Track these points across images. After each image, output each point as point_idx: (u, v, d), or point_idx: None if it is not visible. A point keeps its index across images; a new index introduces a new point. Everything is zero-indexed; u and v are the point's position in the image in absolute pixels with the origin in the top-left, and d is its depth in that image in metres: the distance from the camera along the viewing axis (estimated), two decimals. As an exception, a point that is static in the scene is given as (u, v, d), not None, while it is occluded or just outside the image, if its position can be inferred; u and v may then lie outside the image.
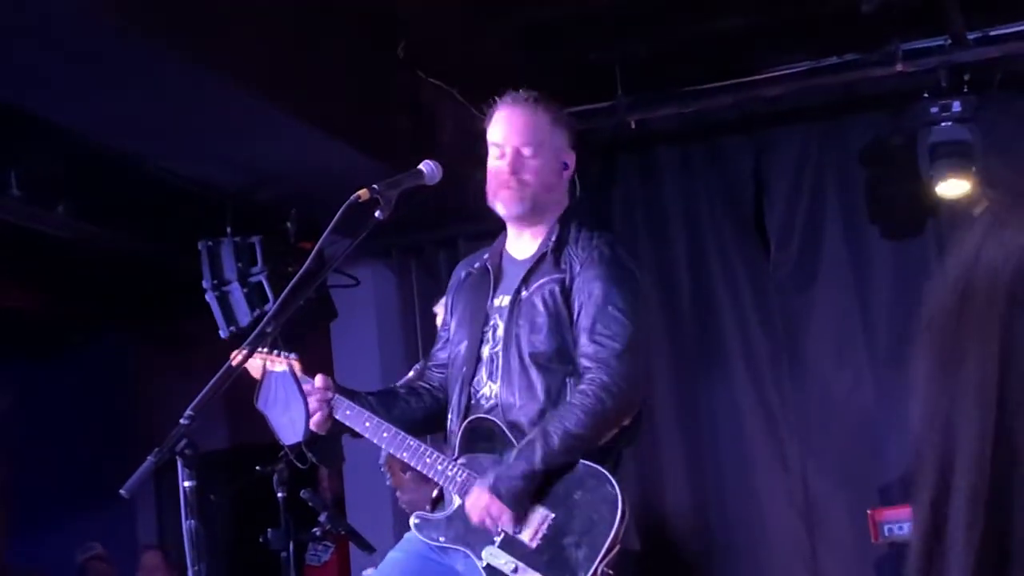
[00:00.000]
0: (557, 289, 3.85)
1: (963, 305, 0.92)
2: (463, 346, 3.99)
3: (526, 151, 3.91)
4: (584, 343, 3.78)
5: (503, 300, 3.94)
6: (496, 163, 3.94)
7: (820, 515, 6.96)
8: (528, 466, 3.68)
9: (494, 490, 3.71)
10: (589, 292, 3.82)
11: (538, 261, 3.92)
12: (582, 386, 3.73)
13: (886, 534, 5.99)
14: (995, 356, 0.89)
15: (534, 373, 3.81)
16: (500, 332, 3.89)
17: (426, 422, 4.14)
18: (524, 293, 3.89)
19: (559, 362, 3.81)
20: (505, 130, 3.95)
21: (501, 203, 3.95)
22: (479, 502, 3.73)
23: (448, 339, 4.12)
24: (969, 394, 0.91)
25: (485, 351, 3.92)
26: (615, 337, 3.76)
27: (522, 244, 4.01)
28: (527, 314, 3.86)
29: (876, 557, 6.58)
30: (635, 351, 3.79)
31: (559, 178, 3.98)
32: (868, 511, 6.11)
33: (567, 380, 3.80)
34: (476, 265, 4.11)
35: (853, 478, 6.86)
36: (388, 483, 4.43)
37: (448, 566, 3.86)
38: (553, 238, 3.92)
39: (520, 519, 3.73)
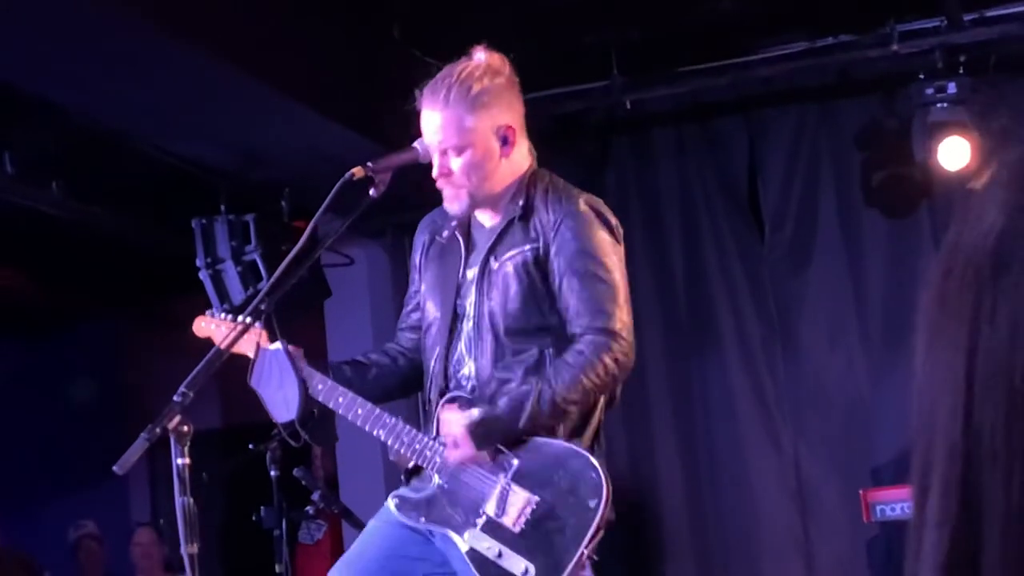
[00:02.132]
0: (530, 258, 3.73)
1: (944, 286, 0.90)
2: (435, 318, 3.89)
3: (450, 152, 3.75)
4: (574, 310, 3.69)
5: (474, 271, 3.83)
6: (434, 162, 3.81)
7: (812, 496, 6.97)
8: (511, 415, 3.63)
9: (472, 432, 3.66)
10: (568, 257, 3.70)
11: (505, 229, 3.80)
12: (578, 345, 3.64)
13: (878, 515, 6.00)
14: (965, 335, 0.87)
15: (509, 348, 3.73)
16: (474, 307, 3.80)
17: (403, 386, 4.09)
18: (493, 264, 3.78)
19: (536, 335, 3.73)
20: (425, 132, 3.78)
21: (444, 203, 3.84)
22: (455, 434, 3.69)
23: (419, 303, 4.03)
24: (944, 377, 0.88)
25: (464, 326, 3.83)
26: (604, 299, 3.68)
27: (486, 213, 3.89)
28: (499, 286, 3.76)
29: (868, 537, 6.61)
30: (625, 308, 3.72)
31: (496, 160, 3.78)
32: (860, 491, 6.12)
33: (545, 352, 3.72)
34: (444, 233, 3.95)
35: (845, 459, 6.88)
36: (392, 457, 4.40)
37: (427, 539, 3.83)
38: (520, 203, 3.78)
39: (478, 460, 3.70)
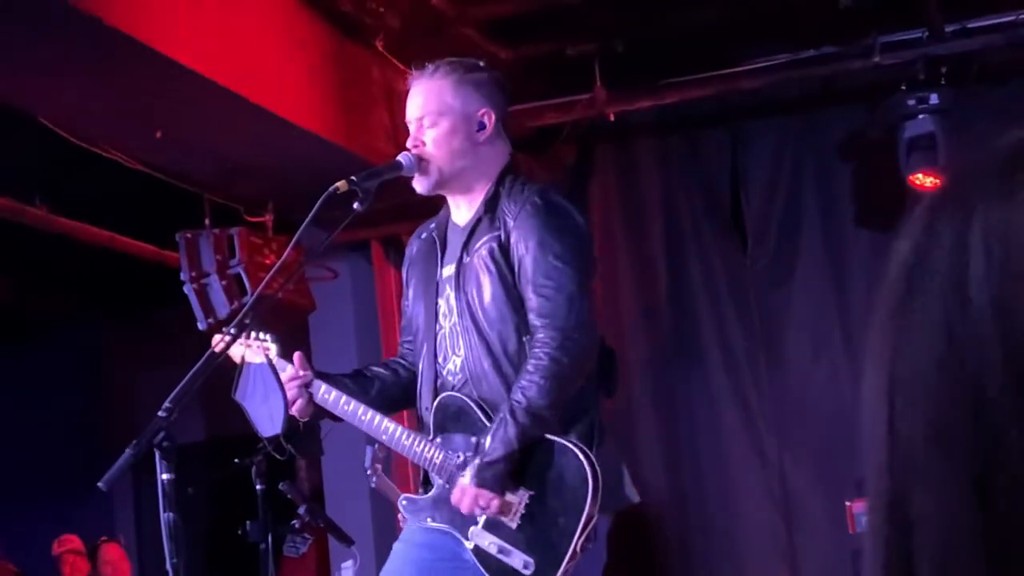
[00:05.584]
0: (496, 247, 3.78)
1: (888, 301, 0.88)
2: (421, 320, 3.97)
3: (425, 122, 3.83)
4: (530, 298, 3.72)
5: (449, 270, 3.89)
6: None
7: (797, 507, 6.98)
8: (505, 449, 3.66)
9: (480, 482, 3.69)
10: (527, 245, 3.74)
11: (475, 225, 3.85)
12: (534, 349, 3.68)
13: (863, 526, 6.01)
14: (891, 352, 0.86)
15: (491, 338, 3.77)
16: (452, 303, 3.86)
17: (406, 396, 4.10)
18: (467, 259, 3.83)
19: (512, 322, 3.76)
20: (408, 106, 3.89)
21: (413, 182, 3.88)
22: (467, 497, 3.72)
23: (409, 314, 4.09)
24: (873, 395, 0.87)
25: (444, 324, 3.88)
26: (559, 288, 3.69)
27: (461, 211, 3.94)
28: (473, 279, 3.81)
29: (854, 549, 6.61)
30: (581, 298, 3.72)
31: (472, 141, 3.85)
32: (846, 503, 6.13)
33: (523, 339, 3.75)
34: (423, 236, 4.06)
35: (830, 470, 6.88)
36: (373, 485, 4.41)
37: (447, 541, 3.88)
38: (487, 198, 3.84)
39: (506, 501, 3.74)
